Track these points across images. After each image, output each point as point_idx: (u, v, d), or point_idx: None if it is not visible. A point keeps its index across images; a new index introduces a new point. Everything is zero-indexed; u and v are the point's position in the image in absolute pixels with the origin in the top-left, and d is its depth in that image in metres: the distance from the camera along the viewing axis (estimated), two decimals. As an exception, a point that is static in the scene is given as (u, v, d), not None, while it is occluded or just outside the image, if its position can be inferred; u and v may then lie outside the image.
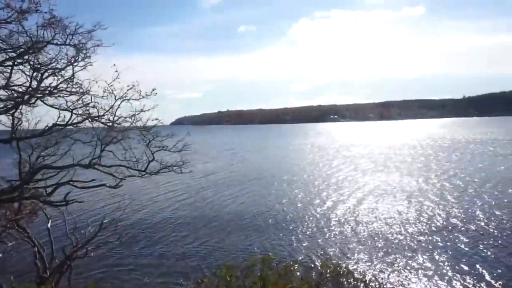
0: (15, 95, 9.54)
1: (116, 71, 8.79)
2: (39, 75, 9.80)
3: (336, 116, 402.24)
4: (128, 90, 9.18)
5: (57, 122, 8.84)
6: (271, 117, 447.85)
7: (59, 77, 9.81)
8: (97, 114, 9.04)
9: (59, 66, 9.95)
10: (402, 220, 23.30)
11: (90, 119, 9.14)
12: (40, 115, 8.66)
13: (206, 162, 58.65)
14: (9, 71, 9.47)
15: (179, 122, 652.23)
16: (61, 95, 9.63)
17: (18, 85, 9.70)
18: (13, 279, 14.16)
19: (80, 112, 9.29)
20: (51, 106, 9.12)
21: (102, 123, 9.44)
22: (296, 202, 28.83)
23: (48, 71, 9.86)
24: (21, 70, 9.72)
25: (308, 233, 21.57)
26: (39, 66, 9.80)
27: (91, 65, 9.51)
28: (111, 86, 8.96)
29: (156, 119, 10.77)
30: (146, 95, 9.30)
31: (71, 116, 8.82)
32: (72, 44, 9.69)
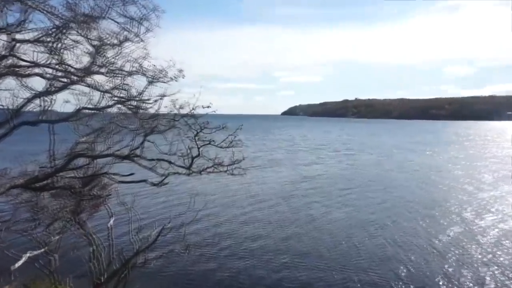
0: (62, 74, 11.19)
1: (145, 49, 9.61)
2: (94, 51, 11.27)
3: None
4: (158, 72, 9.93)
5: (86, 106, 10.08)
6: (416, 110, 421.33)
7: (115, 53, 11.12)
8: (126, 97, 10.01)
9: (115, 41, 11.30)
10: None
11: (120, 103, 10.19)
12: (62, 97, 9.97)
13: (311, 163, 59.11)
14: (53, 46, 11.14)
15: (293, 111, 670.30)
16: (115, 74, 10.96)
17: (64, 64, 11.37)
18: (69, 280, 16.50)
19: (116, 94, 10.44)
20: (89, 86, 10.43)
21: (129, 108, 10.42)
22: (412, 232, 26.71)
23: (105, 47, 11.26)
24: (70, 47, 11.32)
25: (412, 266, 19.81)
26: (98, 42, 11.24)
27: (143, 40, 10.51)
28: (141, 65, 9.82)
29: (207, 107, 11.34)
30: (175, 77, 9.91)
31: (101, 98, 9.98)
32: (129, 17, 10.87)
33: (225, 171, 12.35)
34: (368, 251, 22.94)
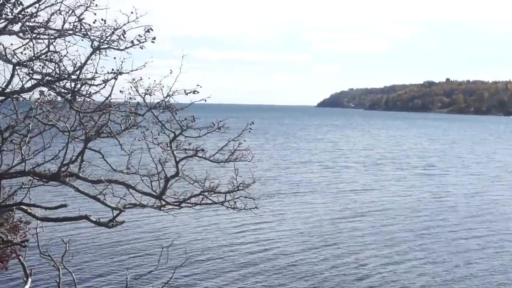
0: None
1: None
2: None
3: None
4: (110, 31, 9.92)
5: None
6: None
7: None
8: (55, 74, 9.97)
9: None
10: None
11: (46, 84, 10.16)
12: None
13: (366, 189, 59.20)
14: None
15: (337, 101, 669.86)
16: (36, 35, 11.02)
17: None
18: None
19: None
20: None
21: (60, 93, 10.40)
22: None
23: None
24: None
25: None
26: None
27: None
28: (81, 20, 9.82)
29: (194, 92, 11.34)
30: (138, 41, 9.88)
31: (12, 75, 9.96)
32: None
33: (222, 203, 12.29)
34: None
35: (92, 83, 10.53)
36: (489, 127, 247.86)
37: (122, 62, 10.32)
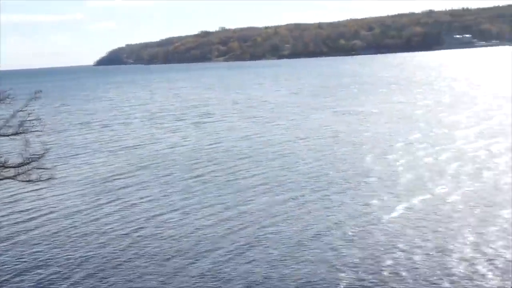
0: None
1: None
2: None
3: (467, 35, 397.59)
4: None
5: None
6: (318, 43, 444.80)
7: None
8: None
9: None
10: None
11: None
12: None
13: (143, 144, 61.42)
14: None
15: (116, 58, 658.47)
16: None
17: None
18: None
19: None
20: None
21: None
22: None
23: None
24: None
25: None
26: None
27: None
28: None
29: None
30: None
31: None
32: None
33: (15, 177, 12.03)
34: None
35: None
36: (263, 71, 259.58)
37: None
